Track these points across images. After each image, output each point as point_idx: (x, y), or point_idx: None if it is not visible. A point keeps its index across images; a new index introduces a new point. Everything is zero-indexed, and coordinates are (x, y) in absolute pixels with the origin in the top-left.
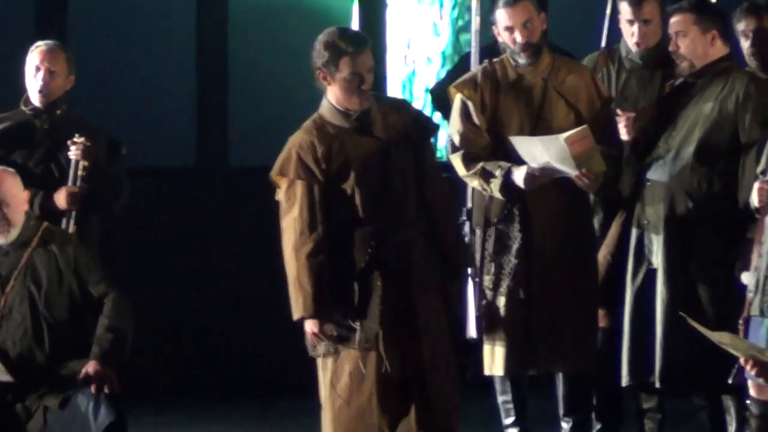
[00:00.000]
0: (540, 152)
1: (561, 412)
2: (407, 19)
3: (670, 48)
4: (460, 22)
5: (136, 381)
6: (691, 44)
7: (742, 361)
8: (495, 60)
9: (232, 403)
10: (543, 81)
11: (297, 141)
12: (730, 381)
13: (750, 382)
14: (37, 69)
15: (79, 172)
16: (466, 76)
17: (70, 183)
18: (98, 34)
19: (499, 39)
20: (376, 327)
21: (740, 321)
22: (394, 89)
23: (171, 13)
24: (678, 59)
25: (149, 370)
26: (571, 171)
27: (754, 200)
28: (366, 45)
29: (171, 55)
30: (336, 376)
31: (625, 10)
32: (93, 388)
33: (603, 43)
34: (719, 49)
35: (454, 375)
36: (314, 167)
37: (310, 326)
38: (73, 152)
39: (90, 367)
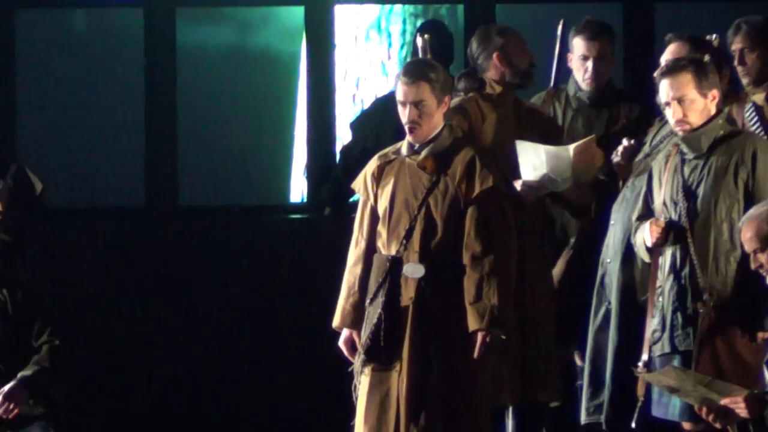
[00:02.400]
0: (540, 162)
1: None
2: (355, 59)
3: (655, 75)
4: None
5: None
6: None
7: (696, 408)
8: (470, 95)
9: None
10: (516, 114)
11: (371, 160)
12: (633, 425)
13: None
14: None
15: None
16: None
17: None
18: (47, 77)
19: (501, 66)
20: (362, 354)
21: (640, 365)
22: (342, 129)
23: (120, 56)
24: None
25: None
26: (563, 185)
27: (647, 240)
28: (407, 75)
29: (120, 95)
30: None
31: (579, 45)
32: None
33: (552, 83)
34: None
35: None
36: (369, 185)
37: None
38: None
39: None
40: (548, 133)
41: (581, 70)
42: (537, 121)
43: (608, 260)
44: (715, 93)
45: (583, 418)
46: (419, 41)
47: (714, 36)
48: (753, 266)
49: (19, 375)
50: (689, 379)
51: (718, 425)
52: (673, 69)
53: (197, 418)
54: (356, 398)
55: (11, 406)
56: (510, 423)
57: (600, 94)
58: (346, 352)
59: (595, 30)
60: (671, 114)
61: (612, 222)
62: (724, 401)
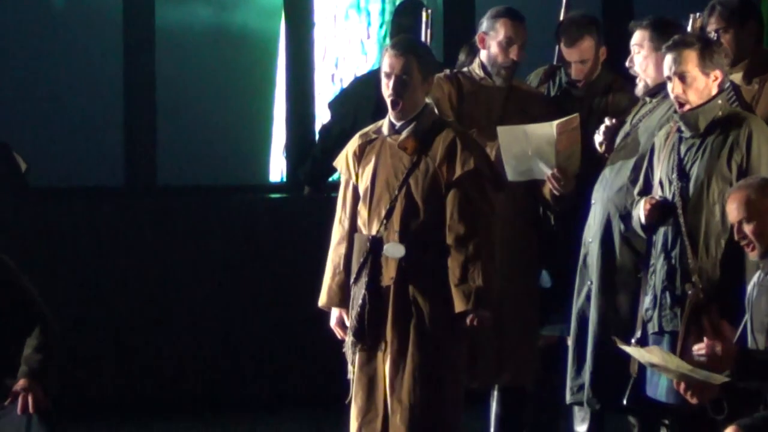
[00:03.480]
0: (524, 143)
1: (492, 431)
2: (335, 38)
3: (627, 64)
4: (388, 41)
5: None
6: (643, 61)
7: (674, 383)
8: (455, 71)
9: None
10: (504, 98)
11: (352, 139)
12: (624, 402)
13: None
14: None
15: None
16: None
17: None
18: (26, 57)
19: (482, 47)
20: (350, 337)
21: (633, 341)
22: (321, 108)
23: (98, 34)
24: (635, 75)
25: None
26: (547, 168)
27: (642, 218)
28: (396, 47)
29: (98, 75)
30: None
31: (562, 48)
32: (20, 406)
33: (555, 60)
34: None
35: (432, 412)
36: (351, 164)
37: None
38: None
39: (19, 384)
40: (547, 117)
41: (566, 66)
42: (533, 105)
43: (590, 240)
44: (717, 73)
45: (568, 398)
46: (424, 16)
47: (697, 15)
48: (737, 237)
49: (27, 369)
50: (672, 361)
51: (694, 401)
52: (678, 44)
53: (179, 396)
54: (351, 378)
55: (31, 406)
56: (494, 405)
57: (586, 89)
58: (339, 333)
59: (573, 35)
60: (671, 88)
61: (593, 201)
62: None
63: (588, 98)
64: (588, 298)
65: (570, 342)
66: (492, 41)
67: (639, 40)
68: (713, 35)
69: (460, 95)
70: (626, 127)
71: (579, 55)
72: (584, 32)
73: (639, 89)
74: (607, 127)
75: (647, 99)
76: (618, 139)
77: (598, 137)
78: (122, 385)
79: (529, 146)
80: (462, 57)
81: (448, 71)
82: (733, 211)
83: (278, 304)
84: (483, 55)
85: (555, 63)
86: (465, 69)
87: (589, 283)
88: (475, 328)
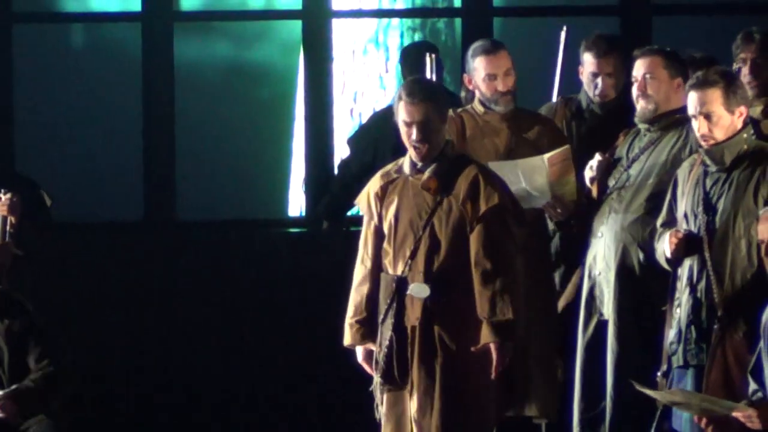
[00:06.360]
0: (517, 176)
1: None
2: (353, 73)
3: (637, 88)
4: (401, 88)
5: None
6: (658, 86)
7: (695, 418)
8: (458, 110)
9: None
10: (509, 128)
11: (373, 178)
12: None
13: None
14: None
15: (7, 228)
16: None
17: None
18: (45, 91)
19: (470, 87)
20: (378, 377)
21: (659, 374)
22: (340, 143)
23: (118, 67)
24: (643, 100)
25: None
26: (543, 198)
27: (667, 251)
28: (412, 95)
29: (117, 109)
30: None
31: (589, 62)
32: None
33: (554, 96)
34: (681, 99)
35: None
36: (373, 204)
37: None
38: (0, 208)
39: None
40: (554, 142)
41: (591, 86)
42: (541, 130)
43: (597, 272)
44: (742, 109)
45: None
46: (428, 60)
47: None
48: (764, 253)
49: (13, 387)
50: (696, 397)
51: None
52: (703, 83)
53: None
54: (379, 418)
55: None
56: None
57: (611, 108)
58: (367, 369)
59: (604, 47)
60: (696, 127)
61: (599, 234)
62: (735, 414)
63: (605, 120)
64: (597, 331)
65: (577, 376)
66: (477, 80)
67: (651, 66)
68: (741, 65)
69: (464, 134)
70: (623, 161)
71: (608, 67)
72: (614, 46)
73: (646, 111)
74: (599, 161)
75: (642, 126)
76: (617, 173)
77: (590, 172)
78: (137, 419)
79: (522, 180)
80: (463, 93)
81: (451, 111)
82: (765, 231)
83: (297, 338)
84: (477, 92)
85: (556, 96)
86: (468, 106)
87: (598, 315)
88: (501, 358)
